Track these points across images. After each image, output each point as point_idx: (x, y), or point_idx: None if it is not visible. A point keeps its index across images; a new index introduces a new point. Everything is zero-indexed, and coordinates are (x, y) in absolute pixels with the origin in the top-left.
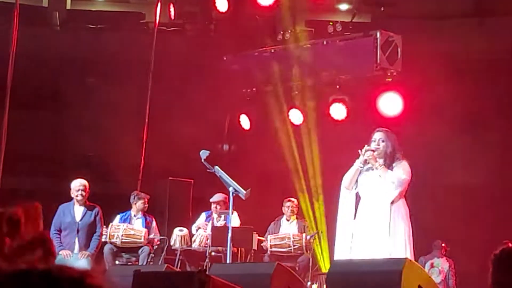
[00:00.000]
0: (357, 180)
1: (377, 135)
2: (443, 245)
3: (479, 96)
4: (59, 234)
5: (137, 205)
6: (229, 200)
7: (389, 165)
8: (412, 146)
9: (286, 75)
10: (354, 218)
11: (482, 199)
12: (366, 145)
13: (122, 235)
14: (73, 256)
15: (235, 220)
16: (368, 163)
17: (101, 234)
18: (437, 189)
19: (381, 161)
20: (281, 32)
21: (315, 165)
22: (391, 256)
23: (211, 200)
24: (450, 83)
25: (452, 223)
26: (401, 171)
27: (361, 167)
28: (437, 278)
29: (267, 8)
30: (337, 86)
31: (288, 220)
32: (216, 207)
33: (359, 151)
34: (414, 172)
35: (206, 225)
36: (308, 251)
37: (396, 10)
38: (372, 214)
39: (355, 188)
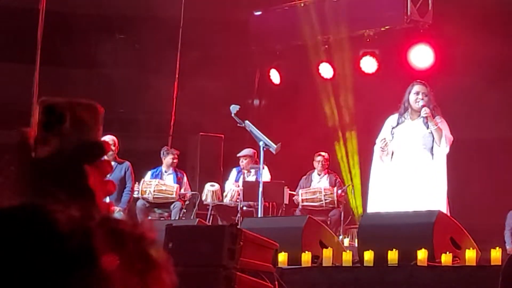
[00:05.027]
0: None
1: (420, 88)
2: None
3: None
4: None
5: (166, 160)
6: (256, 155)
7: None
8: (443, 98)
9: (316, 29)
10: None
11: None
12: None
13: (154, 191)
14: None
15: (265, 175)
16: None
17: (132, 189)
18: (469, 142)
19: (438, 119)
20: None
21: (346, 119)
22: (431, 208)
23: (238, 155)
24: (482, 35)
25: (483, 177)
26: (448, 131)
27: (382, 149)
28: None
29: None
30: (367, 39)
31: (319, 175)
32: (242, 162)
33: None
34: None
35: (238, 186)
36: (340, 205)
37: None
38: (413, 166)
39: (388, 156)
